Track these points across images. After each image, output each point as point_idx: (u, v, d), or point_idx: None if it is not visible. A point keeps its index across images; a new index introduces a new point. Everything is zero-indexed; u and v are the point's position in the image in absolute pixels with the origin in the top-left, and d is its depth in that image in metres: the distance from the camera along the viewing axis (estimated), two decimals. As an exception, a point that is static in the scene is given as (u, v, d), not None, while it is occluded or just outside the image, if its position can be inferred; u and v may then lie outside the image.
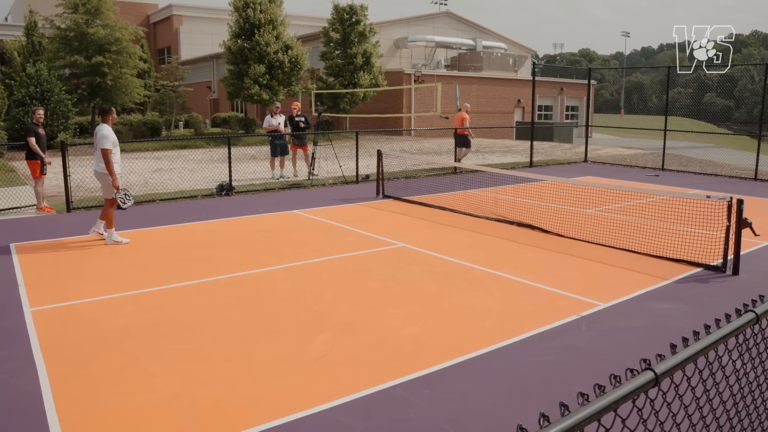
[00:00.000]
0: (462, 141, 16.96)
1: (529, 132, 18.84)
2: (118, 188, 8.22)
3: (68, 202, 10.71)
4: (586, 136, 20.89)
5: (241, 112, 38.74)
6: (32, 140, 10.38)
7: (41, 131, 10.72)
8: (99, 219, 8.52)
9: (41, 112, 10.85)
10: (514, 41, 45.80)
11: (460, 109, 17.46)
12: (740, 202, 6.84)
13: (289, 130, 15.05)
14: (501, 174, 13.11)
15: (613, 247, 8.09)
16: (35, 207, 10.77)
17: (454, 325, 5.33)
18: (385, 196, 12.29)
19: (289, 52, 27.42)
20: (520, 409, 3.90)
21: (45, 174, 10.69)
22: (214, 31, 46.27)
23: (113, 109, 8.39)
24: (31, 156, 10.50)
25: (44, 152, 10.59)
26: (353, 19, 29.39)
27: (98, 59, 25.61)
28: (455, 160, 16.90)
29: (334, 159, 17.50)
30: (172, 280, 6.59)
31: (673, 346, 1.74)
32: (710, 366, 2.10)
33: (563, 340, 4.98)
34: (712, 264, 7.17)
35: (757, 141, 16.17)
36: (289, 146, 15.22)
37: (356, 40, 29.40)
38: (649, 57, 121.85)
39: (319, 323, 5.34)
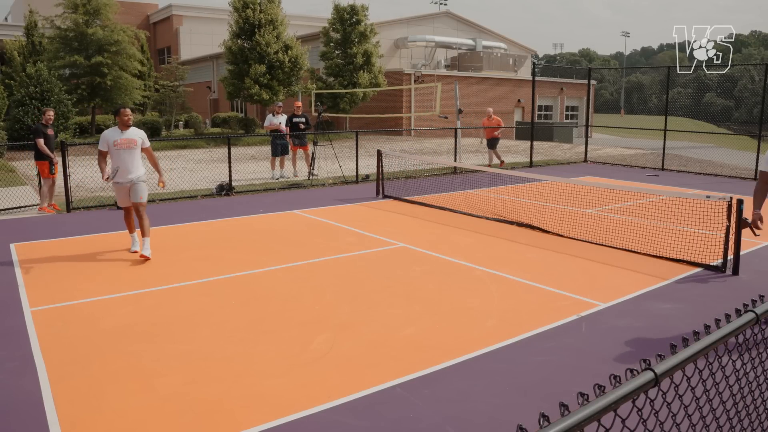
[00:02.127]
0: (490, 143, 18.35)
1: (529, 132, 18.85)
2: (106, 179, 7.31)
3: (68, 202, 10.72)
4: (586, 136, 20.89)
5: (241, 112, 38.75)
6: (40, 141, 10.43)
7: (50, 131, 10.76)
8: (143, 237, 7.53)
9: (51, 113, 10.98)
10: (514, 41, 45.78)
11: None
12: (740, 202, 6.84)
13: (289, 129, 15.04)
14: (501, 174, 13.11)
15: (613, 247, 8.09)
16: (38, 207, 10.78)
17: (454, 325, 5.33)
18: (385, 196, 12.29)
19: (289, 52, 27.42)
20: (520, 409, 3.89)
21: (54, 174, 10.72)
22: (214, 31, 46.29)
23: (120, 109, 7.47)
24: (40, 156, 10.56)
25: (53, 152, 10.65)
26: (354, 19, 29.39)
27: (98, 59, 25.63)
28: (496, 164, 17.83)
29: (334, 159, 17.50)
30: (172, 280, 6.59)
31: (673, 346, 1.74)
32: (710, 366, 2.10)
33: (563, 340, 4.98)
34: (712, 264, 7.17)
35: (757, 141, 16.16)
36: (289, 146, 15.21)
37: (356, 40, 29.40)
38: (649, 57, 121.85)
39: (319, 323, 5.34)
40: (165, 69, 33.10)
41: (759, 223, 5.29)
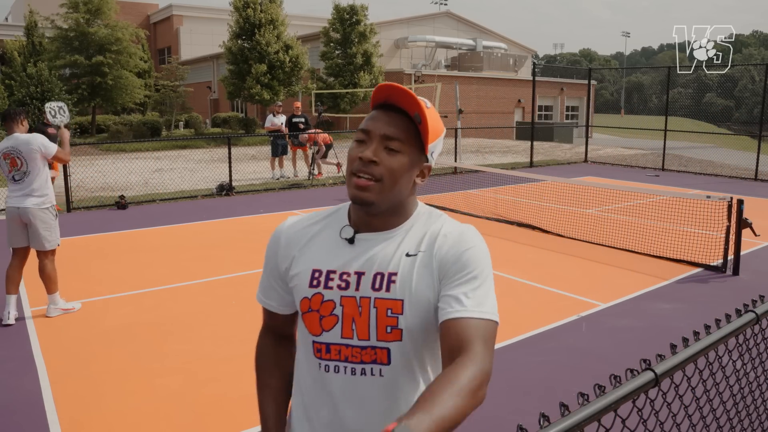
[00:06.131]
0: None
1: (529, 132, 18.84)
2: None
3: (68, 202, 10.71)
4: (586, 137, 20.89)
5: (241, 112, 38.73)
6: None
7: (51, 131, 10.72)
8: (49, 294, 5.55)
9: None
10: (514, 41, 45.78)
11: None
12: (740, 202, 6.85)
13: (289, 129, 15.03)
14: (501, 174, 13.10)
15: (614, 248, 8.09)
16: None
17: (454, 325, 5.32)
18: (385, 196, 12.27)
19: (290, 52, 27.42)
20: (520, 409, 3.89)
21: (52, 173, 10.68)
22: (214, 31, 46.26)
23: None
24: None
25: None
26: (353, 20, 29.40)
27: (98, 59, 25.64)
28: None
29: (334, 159, 17.47)
30: (173, 280, 6.59)
31: (673, 346, 1.74)
32: (710, 366, 2.10)
33: (563, 341, 4.98)
34: (712, 264, 7.17)
35: (757, 141, 16.17)
36: (289, 146, 15.20)
37: (356, 40, 29.41)
38: (649, 57, 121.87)
39: (319, 323, 5.33)
40: (165, 69, 33.10)
41: None
